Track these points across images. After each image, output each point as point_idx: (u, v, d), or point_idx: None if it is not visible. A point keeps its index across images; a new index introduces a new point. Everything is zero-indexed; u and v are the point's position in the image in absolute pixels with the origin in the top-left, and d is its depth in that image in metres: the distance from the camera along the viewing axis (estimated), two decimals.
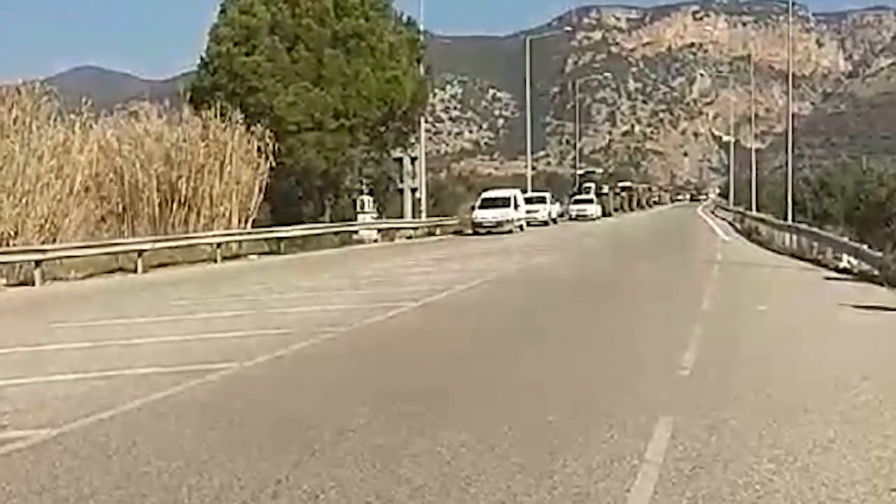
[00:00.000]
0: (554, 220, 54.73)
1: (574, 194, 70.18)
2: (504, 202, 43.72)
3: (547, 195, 57.95)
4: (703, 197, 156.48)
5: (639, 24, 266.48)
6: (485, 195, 45.54)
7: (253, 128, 32.19)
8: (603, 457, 5.50)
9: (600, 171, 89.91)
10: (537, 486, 4.99)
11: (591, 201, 65.69)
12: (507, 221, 42.24)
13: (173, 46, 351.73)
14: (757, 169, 71.02)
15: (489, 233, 40.85)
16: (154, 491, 5.08)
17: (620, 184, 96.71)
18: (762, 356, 9.27)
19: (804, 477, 5.11)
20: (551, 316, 12.97)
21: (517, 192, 46.97)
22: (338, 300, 15.06)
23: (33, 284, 20.68)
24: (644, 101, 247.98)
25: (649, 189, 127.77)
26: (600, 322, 12.31)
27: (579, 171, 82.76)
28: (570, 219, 61.08)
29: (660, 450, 5.63)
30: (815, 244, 25.34)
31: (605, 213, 68.14)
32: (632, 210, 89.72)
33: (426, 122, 50.87)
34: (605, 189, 76.34)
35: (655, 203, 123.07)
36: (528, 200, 51.87)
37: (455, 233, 44.17)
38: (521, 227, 44.11)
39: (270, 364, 9.11)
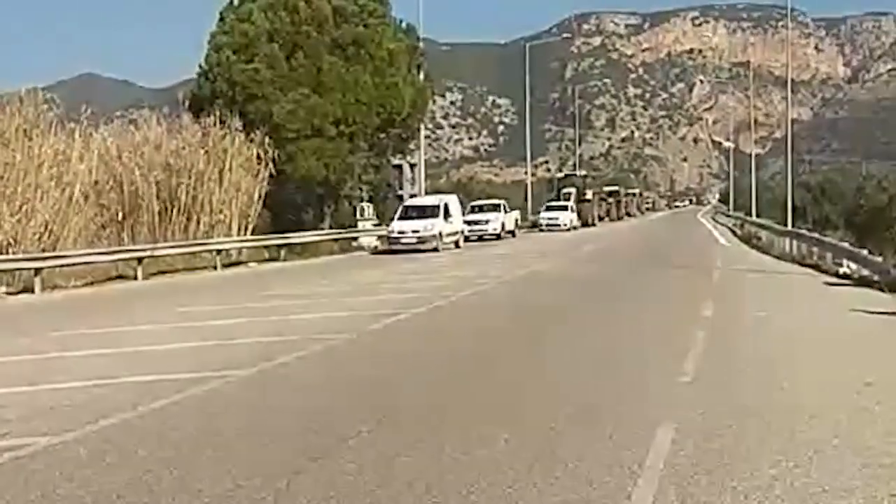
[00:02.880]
0: (511, 233, 45.11)
1: (551, 200, 60.70)
2: (432, 211, 34.45)
3: (502, 202, 47.79)
4: (706, 201, 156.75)
5: (638, 29, 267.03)
6: (407, 203, 37.38)
7: (252, 135, 32.25)
8: (604, 463, 5.50)
9: (582, 173, 75.56)
10: (538, 492, 5.00)
11: (564, 208, 56.11)
12: (433, 237, 33.15)
13: (173, 55, 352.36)
14: (757, 175, 71.02)
15: (416, 251, 32.17)
16: (155, 498, 5.08)
17: (607, 188, 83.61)
18: (763, 362, 9.27)
19: (806, 483, 5.11)
20: (551, 321, 12.97)
21: (451, 198, 37.86)
22: (338, 307, 15.04)
23: (33, 292, 20.68)
24: (644, 107, 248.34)
25: (640, 194, 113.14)
26: (601, 329, 12.29)
27: (558, 175, 71.47)
28: (540, 229, 52.50)
29: (661, 456, 5.63)
30: (815, 250, 25.36)
31: (586, 223, 59.02)
32: (620, 219, 77.50)
33: (426, 128, 50.80)
34: (589, 195, 64.64)
35: (649, 210, 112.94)
36: (479, 209, 44.83)
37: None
38: (456, 242, 35.41)
39: (271, 371, 9.11)
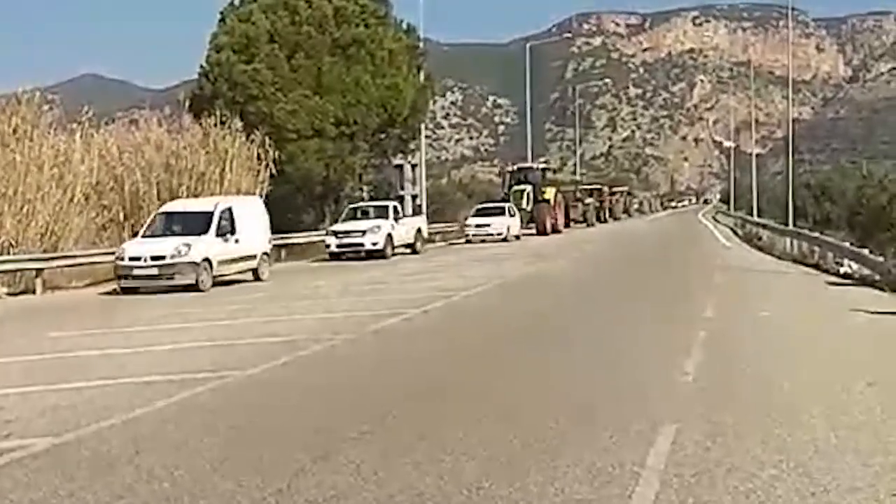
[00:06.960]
0: (411, 246, 32.80)
1: (503, 199, 46.66)
2: (192, 225, 21.06)
3: (391, 205, 33.71)
4: (709, 200, 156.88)
5: (639, 29, 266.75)
6: (164, 207, 23.31)
7: (253, 135, 32.23)
8: (605, 463, 5.50)
9: (541, 166, 56.73)
10: (539, 492, 4.99)
11: (500, 212, 41.95)
12: (190, 265, 19.79)
13: (173, 55, 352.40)
14: (757, 174, 70.82)
15: (158, 290, 19.37)
16: (157, 500, 5.08)
17: (583, 187, 67.88)
18: (764, 362, 9.27)
19: (807, 483, 5.10)
20: (557, 320, 12.96)
21: (240, 202, 24.00)
22: (338, 308, 15.05)
23: (34, 293, 20.69)
24: (644, 107, 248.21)
25: (629, 193, 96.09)
26: (604, 327, 12.28)
27: (508, 168, 55.12)
28: (467, 240, 40.08)
29: (662, 456, 5.62)
30: (816, 249, 25.36)
31: (543, 231, 45.86)
32: (602, 222, 64.15)
33: (426, 128, 50.50)
34: (549, 193, 48.80)
35: (638, 211, 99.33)
36: (362, 213, 32.83)
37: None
38: (255, 272, 22.36)
39: (273, 371, 9.11)
